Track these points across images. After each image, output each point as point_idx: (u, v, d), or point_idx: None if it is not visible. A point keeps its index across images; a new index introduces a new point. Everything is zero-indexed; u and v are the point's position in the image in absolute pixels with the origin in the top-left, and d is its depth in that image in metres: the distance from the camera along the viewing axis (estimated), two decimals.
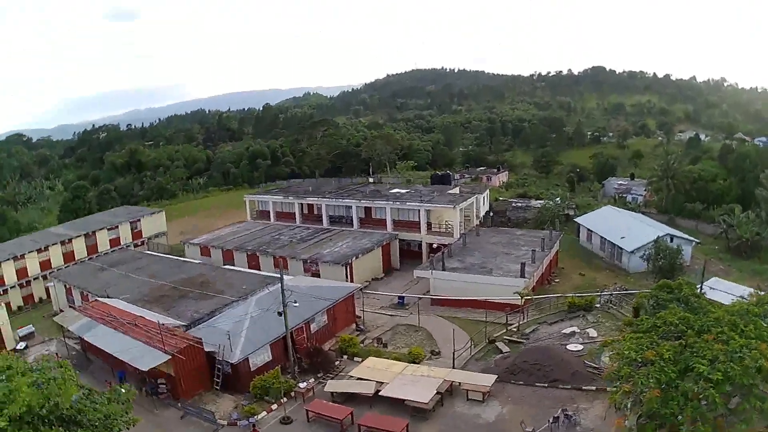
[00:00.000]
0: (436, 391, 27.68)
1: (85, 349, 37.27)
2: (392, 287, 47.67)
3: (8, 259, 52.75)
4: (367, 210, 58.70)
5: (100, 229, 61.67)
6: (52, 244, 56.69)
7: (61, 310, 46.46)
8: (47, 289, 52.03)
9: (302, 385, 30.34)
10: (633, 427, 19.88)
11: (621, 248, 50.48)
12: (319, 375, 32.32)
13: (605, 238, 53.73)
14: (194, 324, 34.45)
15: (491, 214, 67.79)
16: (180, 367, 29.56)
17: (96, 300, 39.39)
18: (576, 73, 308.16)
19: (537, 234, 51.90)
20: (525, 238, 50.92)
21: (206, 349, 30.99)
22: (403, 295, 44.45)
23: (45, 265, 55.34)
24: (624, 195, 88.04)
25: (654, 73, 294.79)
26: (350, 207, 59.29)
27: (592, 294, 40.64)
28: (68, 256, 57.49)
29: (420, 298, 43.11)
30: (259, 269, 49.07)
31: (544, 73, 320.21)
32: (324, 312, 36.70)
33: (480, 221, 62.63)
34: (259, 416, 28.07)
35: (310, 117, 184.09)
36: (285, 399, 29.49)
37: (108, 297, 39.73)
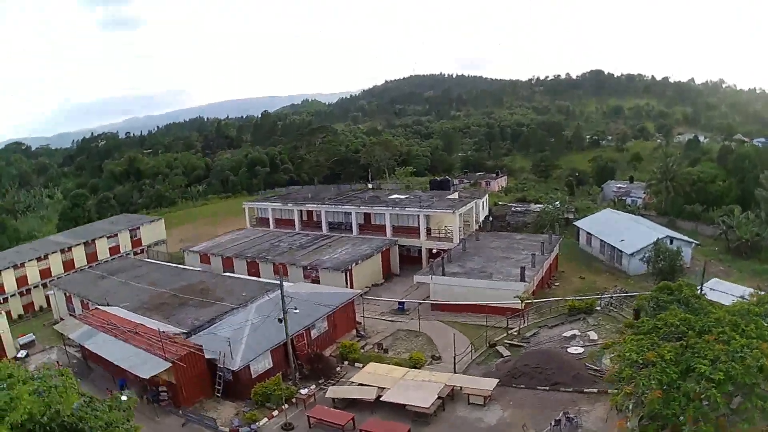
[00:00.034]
0: (437, 396, 27.60)
1: (85, 357, 37.18)
2: (392, 293, 47.62)
3: (8, 268, 52.82)
4: (367, 216, 58.67)
5: (100, 238, 61.73)
6: (52, 253, 56.79)
7: (62, 319, 46.41)
8: (47, 298, 52.00)
9: (303, 391, 30.27)
10: (635, 428, 19.85)
11: (621, 251, 50.45)
12: (320, 381, 32.25)
13: (605, 241, 53.71)
14: (195, 331, 34.42)
15: (491, 218, 67.85)
16: (181, 374, 29.50)
17: (96, 308, 39.31)
18: (575, 76, 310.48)
19: (537, 238, 51.89)
20: (525, 243, 50.88)
21: (207, 357, 30.94)
22: (404, 300, 44.42)
23: (45, 273, 55.45)
24: (623, 198, 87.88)
25: (652, 76, 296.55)
26: (349, 213, 59.27)
27: (593, 297, 40.64)
28: (68, 265, 57.57)
29: (420, 303, 43.11)
30: (259, 276, 49.08)
31: (542, 77, 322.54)
32: (324, 318, 36.66)
33: (479, 226, 62.63)
34: (261, 423, 27.96)
35: (308, 124, 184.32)
36: (286, 405, 29.40)
37: (108, 305, 39.68)
